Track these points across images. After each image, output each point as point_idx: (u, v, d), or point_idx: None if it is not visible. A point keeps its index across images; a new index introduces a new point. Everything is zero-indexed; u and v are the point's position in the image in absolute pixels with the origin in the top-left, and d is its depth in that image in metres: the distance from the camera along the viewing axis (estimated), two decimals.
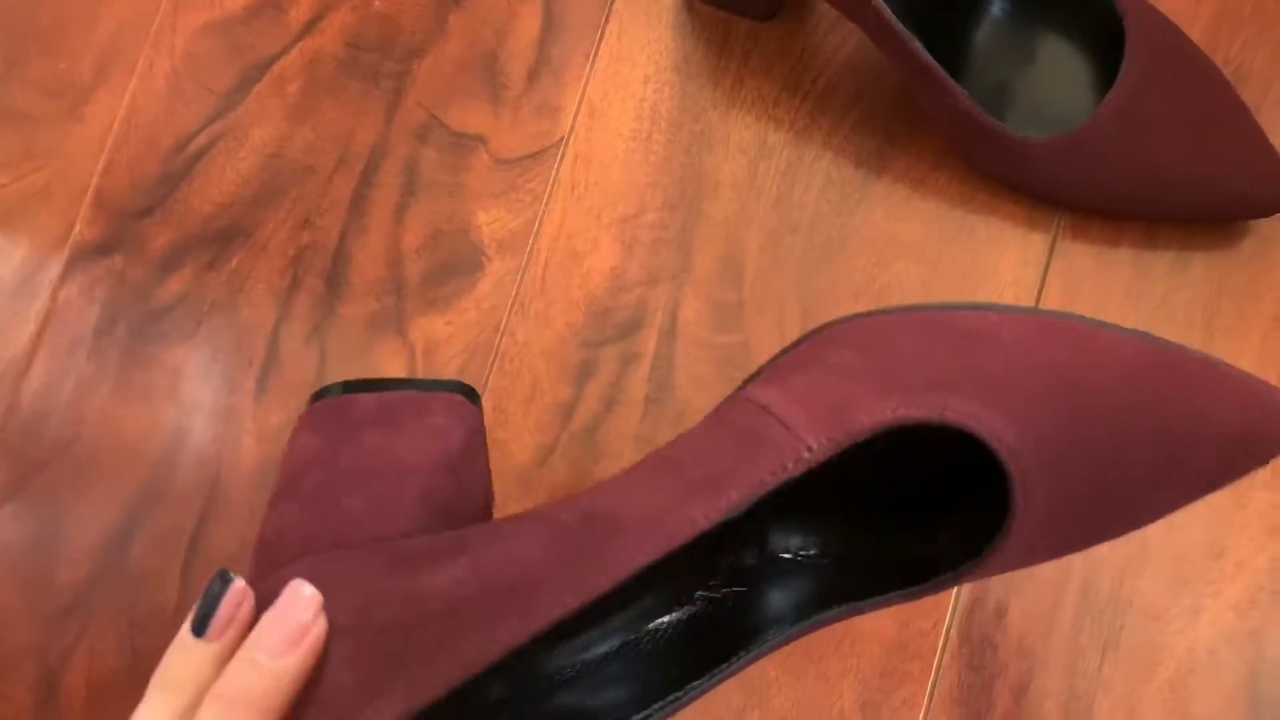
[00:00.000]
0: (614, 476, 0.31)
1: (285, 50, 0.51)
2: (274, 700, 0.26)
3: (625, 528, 0.27)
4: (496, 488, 0.47)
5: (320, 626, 0.27)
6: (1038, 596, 0.43)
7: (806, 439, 0.28)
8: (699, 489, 0.28)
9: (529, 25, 0.50)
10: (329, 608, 0.28)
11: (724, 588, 0.35)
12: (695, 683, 0.29)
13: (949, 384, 0.28)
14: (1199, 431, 0.31)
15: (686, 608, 0.35)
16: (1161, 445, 0.30)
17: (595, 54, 0.50)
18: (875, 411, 0.28)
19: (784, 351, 0.36)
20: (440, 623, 0.27)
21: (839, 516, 0.36)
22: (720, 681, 0.29)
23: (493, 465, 0.47)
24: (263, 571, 0.31)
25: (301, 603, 0.27)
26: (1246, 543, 0.43)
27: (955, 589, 0.44)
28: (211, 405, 0.49)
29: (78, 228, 0.51)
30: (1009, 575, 0.44)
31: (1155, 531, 0.43)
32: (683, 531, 0.27)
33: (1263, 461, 0.32)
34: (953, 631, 0.44)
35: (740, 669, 0.29)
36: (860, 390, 0.29)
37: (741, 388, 0.35)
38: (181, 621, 0.43)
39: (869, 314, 0.34)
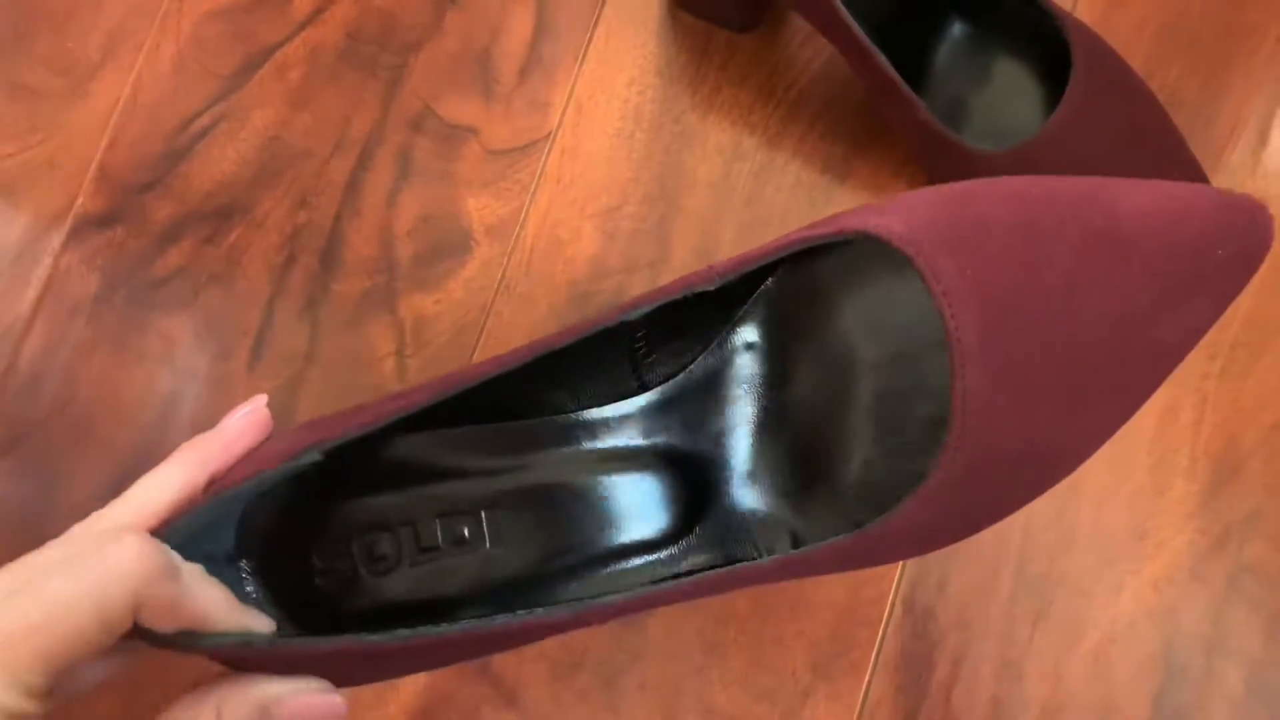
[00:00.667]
0: None
1: (288, 39, 0.54)
2: (215, 452, 0.33)
3: (550, 340, 0.33)
4: None
5: (263, 410, 0.34)
6: (977, 570, 0.47)
7: (715, 268, 0.33)
8: (621, 309, 0.33)
9: (522, 26, 0.53)
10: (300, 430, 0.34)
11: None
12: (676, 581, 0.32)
13: (847, 215, 0.32)
14: (1123, 206, 0.30)
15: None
16: (1084, 221, 0.29)
17: (584, 56, 0.53)
18: (776, 241, 0.31)
19: None
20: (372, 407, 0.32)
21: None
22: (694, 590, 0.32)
23: None
24: None
25: (252, 399, 0.35)
26: (1166, 526, 0.47)
27: (900, 566, 0.47)
28: (206, 372, 0.51)
29: (80, 199, 0.53)
30: (951, 550, 0.47)
31: (1084, 514, 0.47)
32: (588, 327, 0.32)
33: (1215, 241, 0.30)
34: (898, 601, 0.47)
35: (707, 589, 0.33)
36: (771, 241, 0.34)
37: None
38: None
39: None
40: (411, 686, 0.48)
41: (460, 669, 0.49)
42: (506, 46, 0.53)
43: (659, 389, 0.40)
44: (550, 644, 0.48)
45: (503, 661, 0.48)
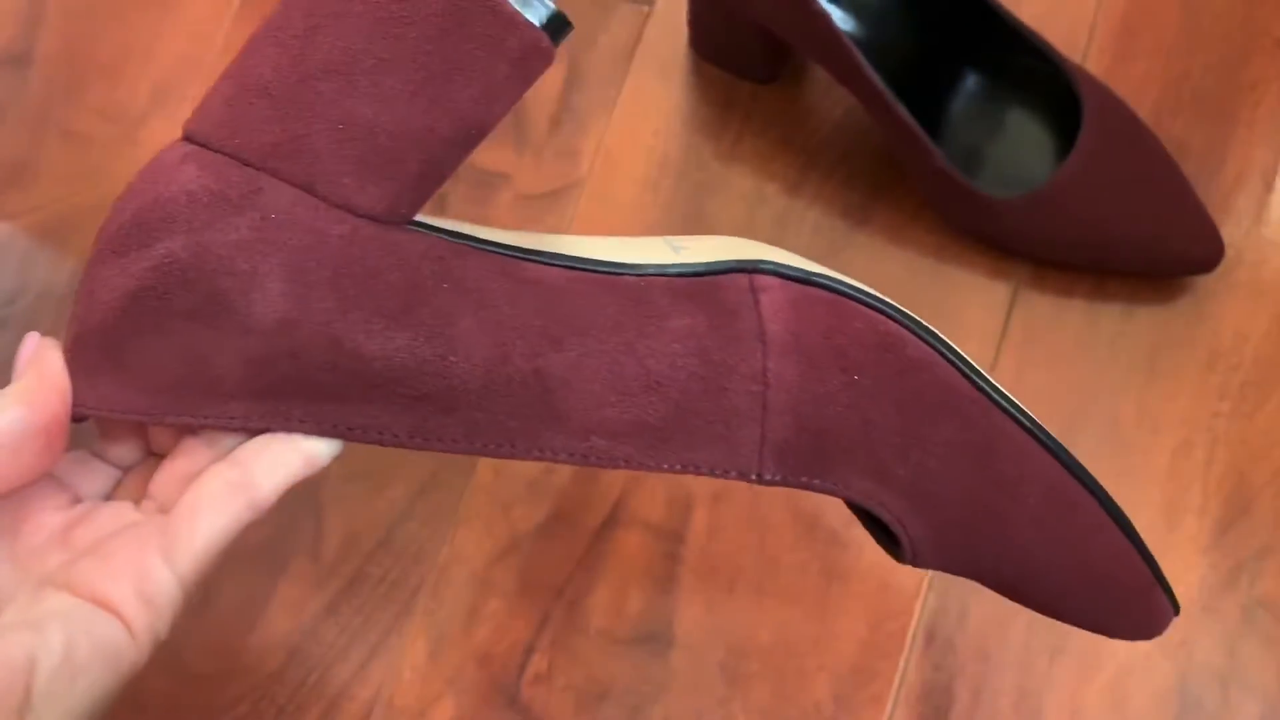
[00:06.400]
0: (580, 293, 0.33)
1: None
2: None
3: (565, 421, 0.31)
4: (500, 489, 0.51)
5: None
6: (995, 603, 0.48)
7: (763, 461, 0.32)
8: (654, 440, 0.31)
9: (554, 78, 0.56)
10: None
11: None
12: None
13: None
14: None
15: None
16: None
17: (613, 107, 0.55)
18: None
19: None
20: None
21: None
22: None
23: (497, 469, 0.52)
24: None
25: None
26: (1178, 561, 0.48)
27: (921, 597, 0.48)
28: None
29: None
30: (972, 582, 0.48)
31: None
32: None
33: None
34: (919, 633, 0.48)
35: None
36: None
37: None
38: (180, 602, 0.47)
39: None
40: (439, 715, 0.50)
41: (488, 699, 0.50)
42: (539, 97, 0.56)
43: None
44: (576, 675, 0.49)
45: (530, 691, 0.49)
